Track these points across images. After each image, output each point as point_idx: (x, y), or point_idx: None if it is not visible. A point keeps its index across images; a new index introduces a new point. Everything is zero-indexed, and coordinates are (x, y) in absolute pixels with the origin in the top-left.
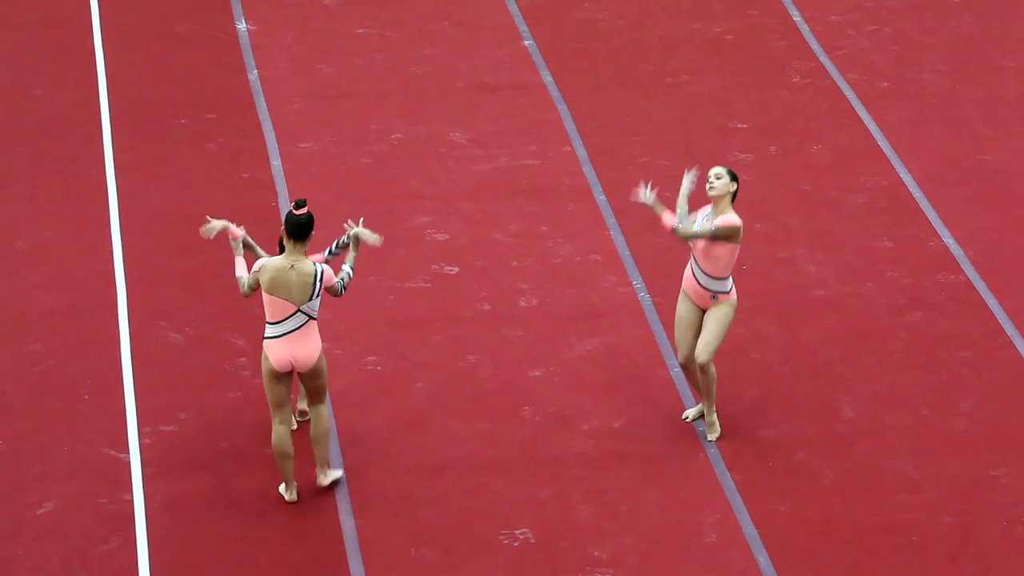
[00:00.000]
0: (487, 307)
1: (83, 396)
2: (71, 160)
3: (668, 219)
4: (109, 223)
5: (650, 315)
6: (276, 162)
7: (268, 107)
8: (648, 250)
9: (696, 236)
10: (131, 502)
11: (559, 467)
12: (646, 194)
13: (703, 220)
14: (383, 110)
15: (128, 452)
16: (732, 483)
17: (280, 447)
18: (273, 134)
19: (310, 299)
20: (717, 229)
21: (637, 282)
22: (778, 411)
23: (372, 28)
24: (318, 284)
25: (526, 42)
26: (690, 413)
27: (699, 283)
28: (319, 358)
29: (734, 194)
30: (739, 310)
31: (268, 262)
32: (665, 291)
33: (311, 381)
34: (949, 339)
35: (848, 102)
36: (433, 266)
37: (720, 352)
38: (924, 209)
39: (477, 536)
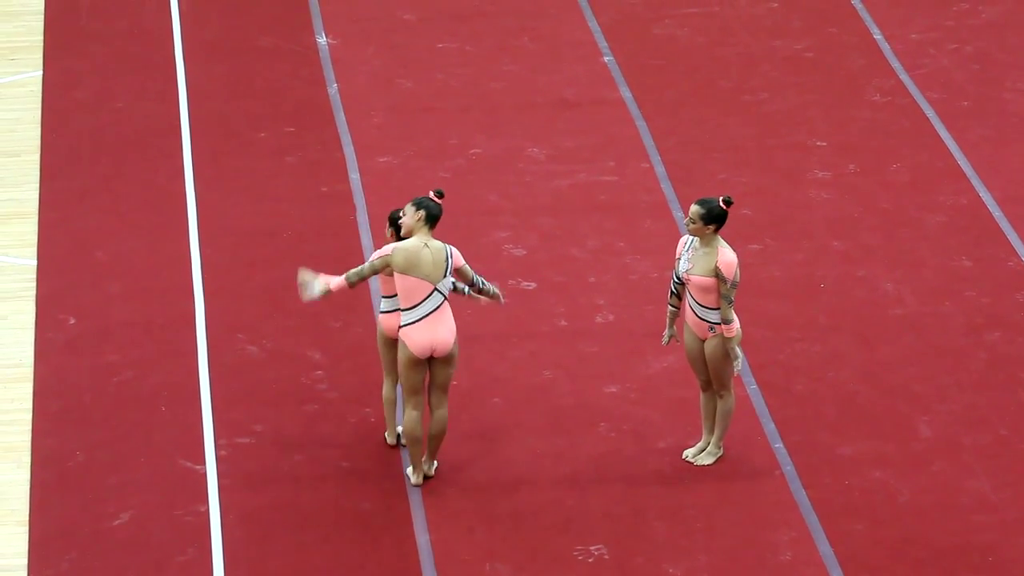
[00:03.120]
0: (564, 323)
1: (160, 408)
2: (151, 172)
3: (728, 332)
4: (188, 235)
5: None
6: (355, 176)
7: (347, 121)
8: None
9: (731, 305)
10: (207, 514)
11: (634, 484)
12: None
13: (687, 253)
14: (462, 125)
15: (204, 464)
16: (808, 501)
17: (411, 432)
18: (352, 148)
19: (444, 275)
20: (730, 282)
21: None
22: (855, 429)
23: (452, 43)
24: (450, 260)
25: (606, 58)
26: (689, 452)
27: (696, 314)
28: (455, 342)
29: (719, 225)
30: (817, 327)
31: (399, 244)
32: (742, 308)
33: (444, 369)
34: None
35: (928, 121)
36: (510, 281)
37: (797, 370)
38: (1004, 229)
39: (552, 552)
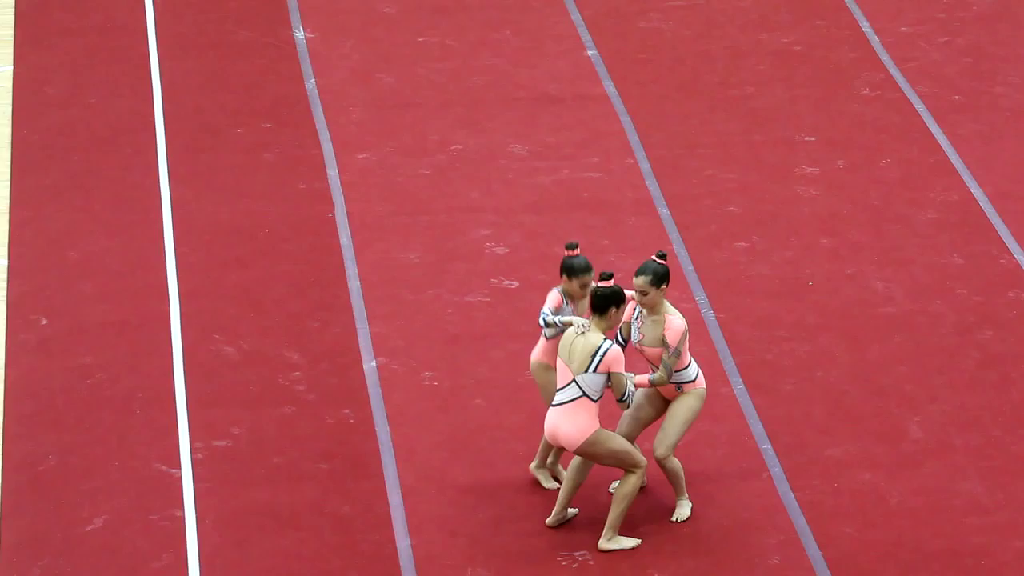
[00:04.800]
0: None
1: (135, 410)
2: (125, 169)
3: (640, 379)
4: (163, 234)
5: (713, 331)
6: (333, 173)
7: (326, 117)
8: (711, 265)
9: (671, 369)
10: (182, 518)
11: None
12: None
13: (635, 322)
14: (443, 120)
15: (180, 467)
16: (796, 503)
17: (571, 471)
18: (331, 144)
19: (586, 370)
20: (672, 350)
21: (700, 297)
22: (844, 430)
23: (433, 37)
24: (597, 358)
25: (589, 52)
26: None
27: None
28: (584, 443)
29: (667, 282)
30: (806, 326)
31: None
32: (728, 307)
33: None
34: (1020, 358)
35: (918, 115)
36: (492, 280)
37: (785, 370)
38: (995, 225)
39: (535, 557)
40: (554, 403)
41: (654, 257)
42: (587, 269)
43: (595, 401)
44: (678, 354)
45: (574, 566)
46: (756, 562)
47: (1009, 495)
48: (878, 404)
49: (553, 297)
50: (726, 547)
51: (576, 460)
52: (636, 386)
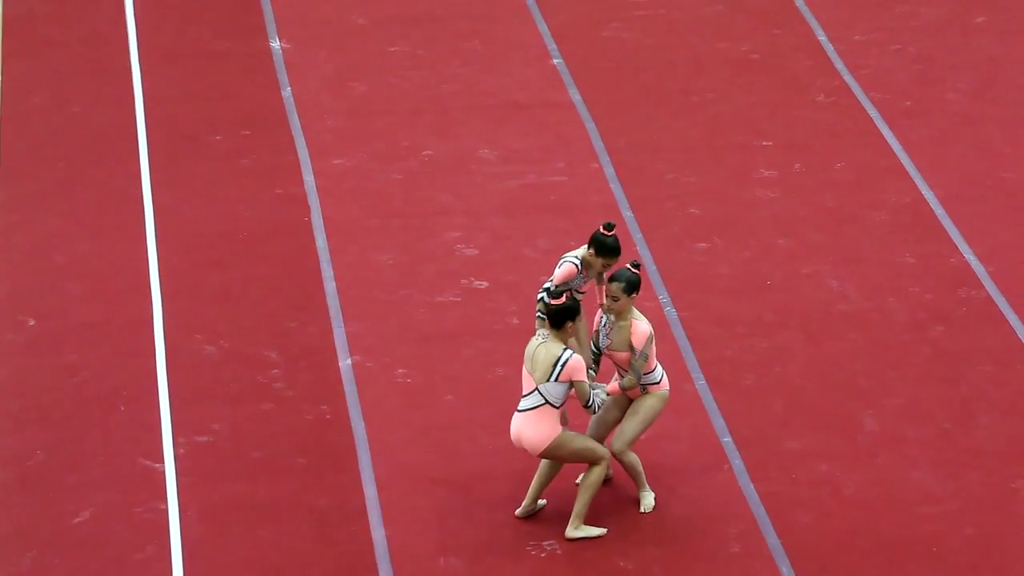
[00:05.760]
0: (516, 321)
1: (119, 407)
2: (108, 175)
3: (612, 387)
4: (145, 237)
5: (676, 329)
6: (309, 178)
7: (301, 124)
8: (674, 265)
9: (639, 373)
10: (166, 511)
11: None
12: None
13: (603, 328)
14: (414, 127)
15: (163, 462)
16: (756, 495)
17: (543, 468)
18: (306, 150)
19: (548, 380)
20: (639, 353)
21: (663, 296)
22: (801, 423)
23: (404, 47)
24: (558, 368)
25: (555, 61)
26: (644, 507)
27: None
28: (547, 449)
29: (638, 291)
30: (764, 324)
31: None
32: (691, 306)
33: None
34: (970, 353)
35: (871, 121)
36: (463, 281)
37: (745, 365)
38: (945, 226)
39: (505, 547)
40: (519, 408)
41: (628, 266)
42: (618, 253)
43: (557, 408)
44: (645, 357)
45: (543, 555)
46: (718, 551)
47: (959, 485)
48: (834, 398)
49: (567, 268)
50: (689, 537)
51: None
52: (609, 394)
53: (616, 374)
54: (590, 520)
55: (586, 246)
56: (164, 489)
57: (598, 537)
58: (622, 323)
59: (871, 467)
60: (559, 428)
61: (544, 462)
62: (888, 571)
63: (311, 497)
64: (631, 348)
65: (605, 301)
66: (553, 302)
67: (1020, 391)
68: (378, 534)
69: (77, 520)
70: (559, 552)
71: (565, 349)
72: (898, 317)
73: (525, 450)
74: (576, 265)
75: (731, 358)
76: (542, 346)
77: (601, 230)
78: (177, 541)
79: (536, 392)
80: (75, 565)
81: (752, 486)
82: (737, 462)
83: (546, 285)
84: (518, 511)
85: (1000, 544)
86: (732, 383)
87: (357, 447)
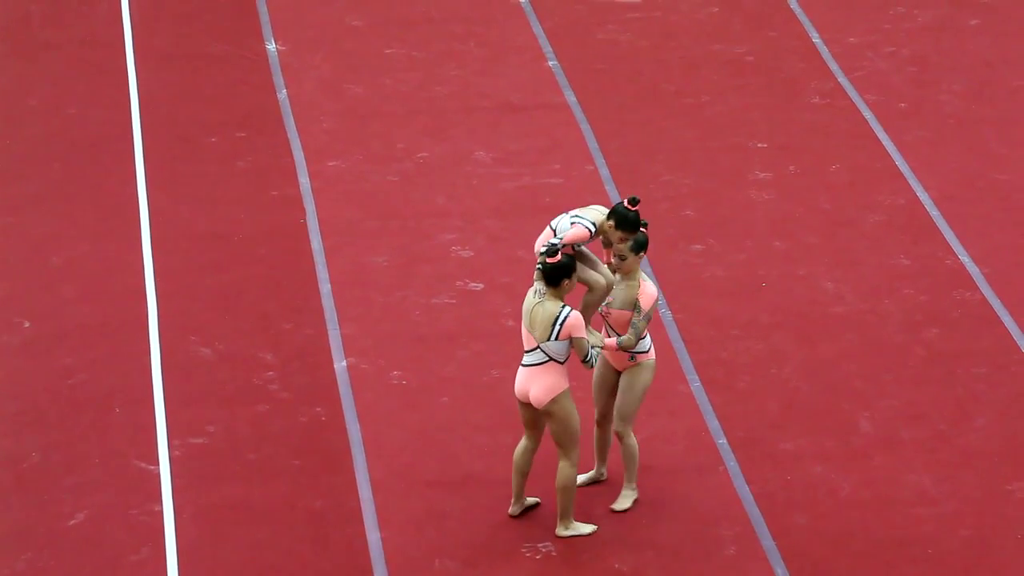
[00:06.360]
0: (511, 323)
1: (114, 409)
2: (104, 177)
3: (609, 341)
4: (141, 239)
5: (670, 330)
6: (304, 180)
7: (297, 126)
8: (668, 267)
9: (640, 333)
10: (161, 513)
11: None
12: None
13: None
14: (410, 129)
15: (158, 464)
16: (751, 496)
17: (516, 460)
18: (302, 152)
19: (548, 339)
20: (644, 314)
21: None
22: (796, 425)
23: (400, 49)
24: (558, 326)
25: (550, 63)
26: (583, 479)
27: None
28: (552, 401)
29: (645, 249)
30: (759, 326)
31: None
32: (685, 307)
33: (549, 425)
34: (965, 355)
35: (866, 122)
36: (458, 282)
37: (740, 367)
38: (940, 227)
39: (500, 549)
40: (523, 363)
41: (626, 202)
42: (637, 227)
43: (562, 363)
44: (648, 318)
45: (538, 557)
46: (713, 552)
47: (954, 486)
48: (829, 400)
49: (580, 231)
50: (684, 538)
51: (517, 450)
52: (604, 348)
53: (603, 332)
54: (582, 520)
55: (596, 208)
56: (159, 491)
57: (590, 535)
58: (630, 282)
59: (866, 468)
60: (566, 383)
61: (516, 454)
62: (883, 572)
63: (306, 499)
64: (636, 307)
65: (613, 260)
66: (549, 260)
67: (1015, 392)
68: (373, 536)
69: (72, 522)
70: (554, 554)
71: (563, 307)
72: (893, 319)
73: (512, 449)
74: (590, 231)
75: (726, 360)
76: (539, 305)
77: (625, 203)
78: (172, 543)
79: (539, 350)
80: (70, 567)
81: (747, 487)
82: (732, 464)
83: (553, 241)
84: (510, 509)
85: (995, 545)
86: (727, 385)
87: (352, 449)
